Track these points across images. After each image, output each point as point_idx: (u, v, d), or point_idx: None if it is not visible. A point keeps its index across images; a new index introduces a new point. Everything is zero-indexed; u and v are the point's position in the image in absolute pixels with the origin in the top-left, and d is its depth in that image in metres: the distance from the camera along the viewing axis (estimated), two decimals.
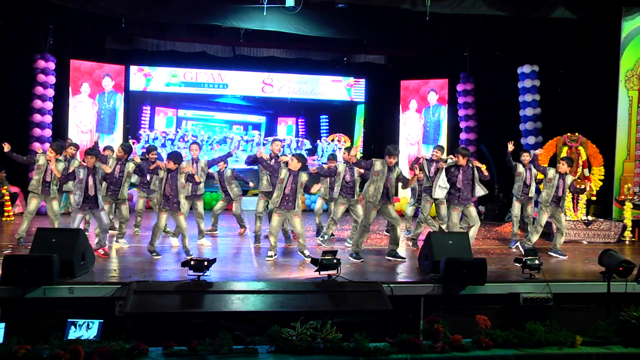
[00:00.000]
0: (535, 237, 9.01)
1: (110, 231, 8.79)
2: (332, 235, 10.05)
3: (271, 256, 8.04)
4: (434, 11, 10.36)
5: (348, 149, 9.55)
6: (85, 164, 7.87)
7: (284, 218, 8.30)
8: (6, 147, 8.84)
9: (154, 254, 7.99)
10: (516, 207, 9.77)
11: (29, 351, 4.12)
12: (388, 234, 10.25)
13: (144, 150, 10.63)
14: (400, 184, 8.35)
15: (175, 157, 8.03)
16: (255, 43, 14.36)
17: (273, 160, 9.04)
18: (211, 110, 15.99)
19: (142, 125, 15.45)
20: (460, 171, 8.63)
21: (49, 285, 6.00)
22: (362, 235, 8.28)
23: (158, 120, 15.61)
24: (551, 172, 8.98)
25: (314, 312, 5.77)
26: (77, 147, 9.87)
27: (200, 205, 9.35)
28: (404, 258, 8.19)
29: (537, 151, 9.81)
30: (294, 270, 7.45)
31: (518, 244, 9.63)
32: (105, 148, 10.08)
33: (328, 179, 9.59)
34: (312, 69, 15.96)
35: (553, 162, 10.60)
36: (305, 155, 9.02)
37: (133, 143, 10.70)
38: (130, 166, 8.87)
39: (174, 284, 6.41)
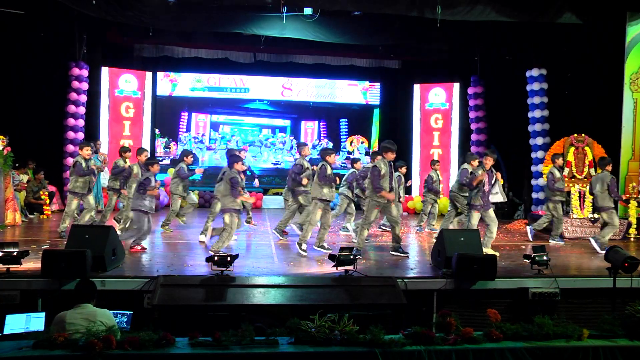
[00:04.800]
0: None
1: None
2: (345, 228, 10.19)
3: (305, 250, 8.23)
4: (445, 18, 10.29)
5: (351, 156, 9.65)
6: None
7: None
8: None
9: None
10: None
11: (67, 339, 4.17)
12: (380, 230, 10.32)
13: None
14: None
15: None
16: (275, 49, 14.38)
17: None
18: (241, 115, 16.09)
19: (181, 129, 15.66)
20: (487, 175, 8.29)
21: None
22: (362, 232, 8.13)
23: (194, 124, 15.80)
24: (557, 174, 8.90)
25: (331, 305, 5.77)
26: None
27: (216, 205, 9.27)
28: (407, 253, 8.14)
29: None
30: (312, 265, 7.46)
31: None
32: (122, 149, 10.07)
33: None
34: (329, 74, 15.92)
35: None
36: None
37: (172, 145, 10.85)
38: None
39: (199, 278, 6.47)
